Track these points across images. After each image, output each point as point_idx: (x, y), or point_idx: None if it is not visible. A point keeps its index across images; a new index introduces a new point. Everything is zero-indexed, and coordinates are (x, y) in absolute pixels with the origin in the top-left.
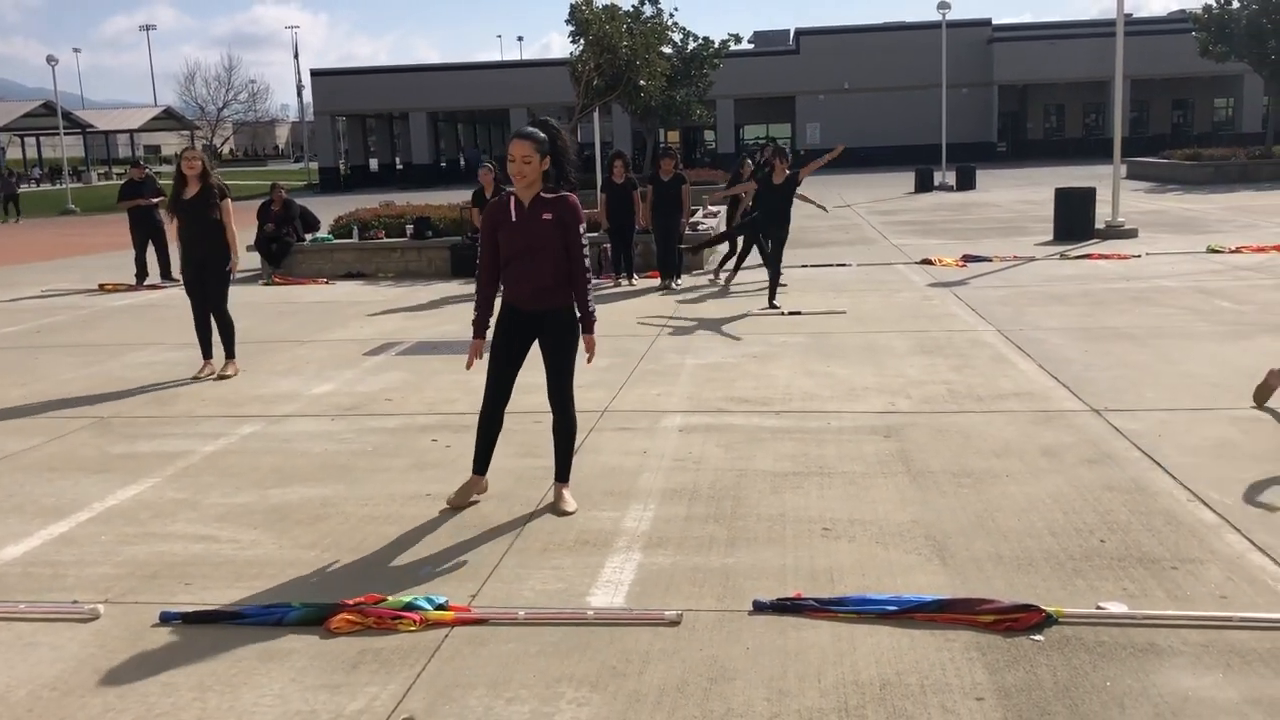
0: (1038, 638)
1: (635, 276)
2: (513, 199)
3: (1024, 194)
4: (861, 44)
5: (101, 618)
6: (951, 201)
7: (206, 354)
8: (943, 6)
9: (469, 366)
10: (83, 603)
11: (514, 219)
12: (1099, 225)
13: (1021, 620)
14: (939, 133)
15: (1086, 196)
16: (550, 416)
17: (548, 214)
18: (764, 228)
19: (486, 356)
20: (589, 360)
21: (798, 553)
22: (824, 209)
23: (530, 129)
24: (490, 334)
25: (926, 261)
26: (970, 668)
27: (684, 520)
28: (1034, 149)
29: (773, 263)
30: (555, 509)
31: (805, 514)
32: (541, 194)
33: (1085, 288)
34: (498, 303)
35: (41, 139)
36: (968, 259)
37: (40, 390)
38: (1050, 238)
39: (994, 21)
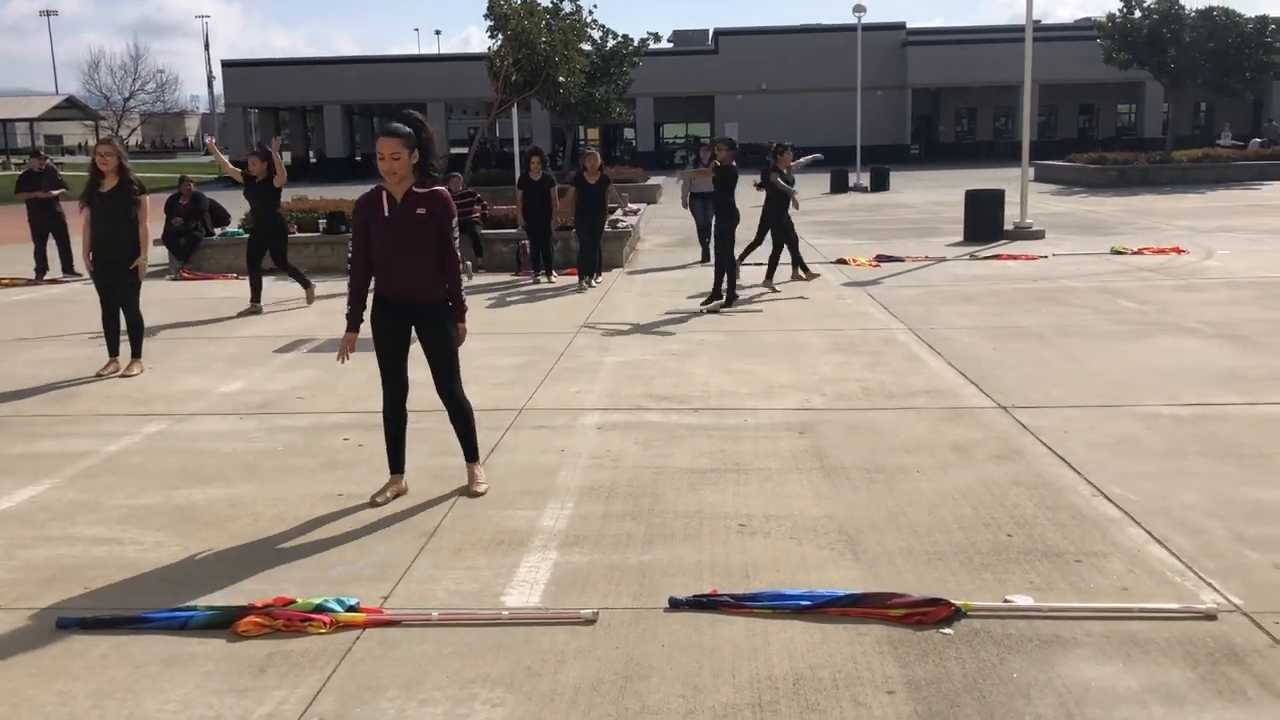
0: (947, 631)
1: (555, 274)
2: (384, 194)
3: (936, 195)
4: (779, 45)
5: None
6: (866, 202)
7: (113, 351)
8: (858, 10)
9: (341, 360)
10: None
11: (386, 214)
12: (1008, 227)
13: (931, 614)
14: (854, 134)
15: (996, 198)
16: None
17: (421, 209)
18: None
19: (374, 355)
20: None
21: (714, 549)
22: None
23: (395, 125)
24: (370, 329)
25: (842, 261)
26: (882, 661)
27: (601, 518)
28: (946, 151)
29: (717, 258)
30: (467, 490)
31: (722, 510)
32: (414, 189)
33: (994, 288)
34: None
35: None
36: (881, 259)
37: None
38: (961, 238)
39: (908, 25)
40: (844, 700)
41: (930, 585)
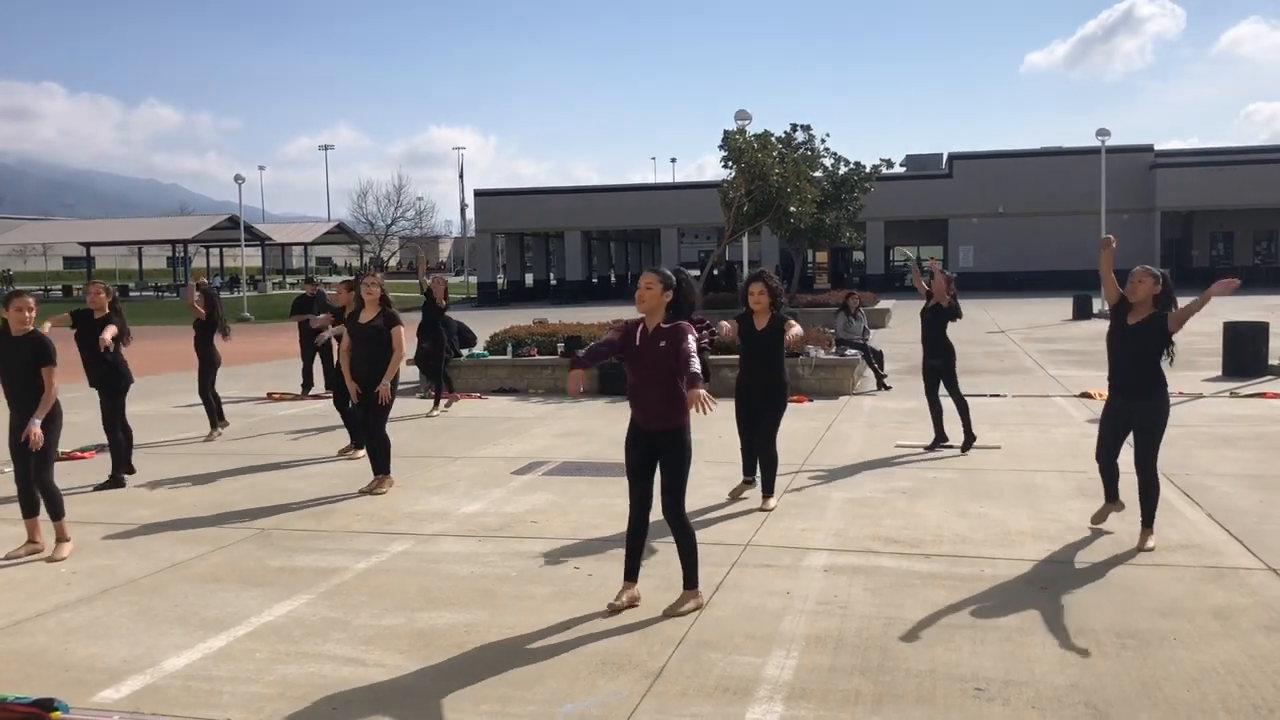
0: None
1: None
2: (641, 325)
3: (1189, 325)
4: (1016, 168)
5: None
6: None
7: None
8: (1102, 133)
9: (570, 392)
10: None
11: (637, 342)
12: (1273, 361)
13: None
14: (1096, 259)
15: (1258, 331)
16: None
17: (663, 341)
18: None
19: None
20: (699, 409)
21: (948, 714)
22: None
23: (661, 269)
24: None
25: (1085, 395)
26: None
27: (828, 671)
28: (1200, 277)
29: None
30: (672, 610)
31: (957, 671)
32: (661, 324)
33: (1259, 430)
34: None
35: (225, 249)
36: None
37: (206, 498)
38: (1219, 373)
39: (1156, 147)
40: None
41: None
